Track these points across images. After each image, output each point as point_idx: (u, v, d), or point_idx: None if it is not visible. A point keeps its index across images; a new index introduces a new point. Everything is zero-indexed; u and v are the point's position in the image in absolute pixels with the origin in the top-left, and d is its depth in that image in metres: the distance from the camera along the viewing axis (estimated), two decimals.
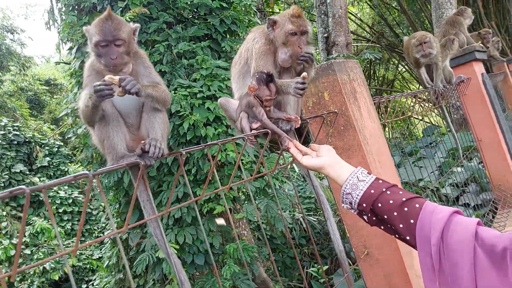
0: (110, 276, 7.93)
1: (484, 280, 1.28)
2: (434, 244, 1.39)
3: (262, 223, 7.70)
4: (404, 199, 1.51)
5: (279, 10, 15.15)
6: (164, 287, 6.59)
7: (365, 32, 23.22)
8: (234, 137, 1.88)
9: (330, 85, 2.42)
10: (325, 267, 7.68)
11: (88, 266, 12.85)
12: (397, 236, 1.57)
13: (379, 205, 1.55)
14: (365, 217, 1.64)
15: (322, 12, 12.75)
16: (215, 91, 5.32)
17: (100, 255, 12.36)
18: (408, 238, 1.49)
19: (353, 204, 1.62)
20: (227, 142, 1.69)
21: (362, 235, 2.45)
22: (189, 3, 6.14)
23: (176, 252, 5.43)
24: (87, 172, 1.13)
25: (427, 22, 20.41)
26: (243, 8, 6.41)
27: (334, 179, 1.74)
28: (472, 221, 1.38)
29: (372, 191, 1.57)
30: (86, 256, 12.99)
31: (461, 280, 1.32)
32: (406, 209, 1.49)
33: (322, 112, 2.40)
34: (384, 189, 1.56)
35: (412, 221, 1.47)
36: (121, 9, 5.79)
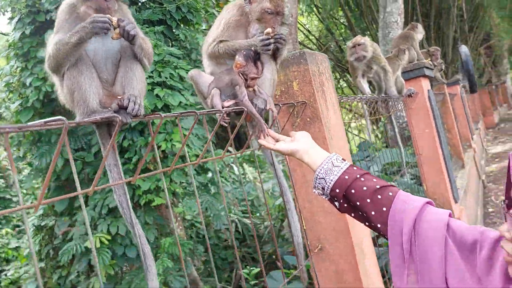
0: (30, 265, 7.44)
1: (453, 270, 1.28)
2: (406, 233, 1.37)
3: (199, 221, 7.54)
4: (377, 186, 1.49)
5: None
6: (89, 279, 6.26)
7: (311, 44, 23.68)
8: (209, 110, 1.76)
9: (301, 75, 2.36)
10: (257, 270, 7.67)
11: (3, 255, 11.99)
12: (367, 224, 1.55)
13: (353, 191, 1.52)
14: (336, 203, 1.60)
15: None
16: (166, 78, 5.13)
17: (18, 245, 11.62)
18: (379, 226, 1.47)
19: (325, 190, 1.58)
20: (188, 115, 1.55)
21: (317, 230, 2.40)
22: None
23: (106, 243, 5.16)
24: (62, 118, 0.98)
25: (372, 40, 21.18)
26: None
27: (309, 164, 1.68)
28: (444, 212, 1.39)
29: (346, 177, 1.54)
30: (1, 245, 12.12)
31: (430, 270, 1.32)
32: (379, 196, 1.47)
33: (290, 101, 2.33)
34: (358, 176, 1.53)
35: (384, 209, 1.45)
36: None
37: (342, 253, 2.36)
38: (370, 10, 19.31)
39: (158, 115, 1.29)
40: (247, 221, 9.22)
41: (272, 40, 1.93)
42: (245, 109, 1.81)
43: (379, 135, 16.31)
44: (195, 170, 5.77)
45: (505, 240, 1.15)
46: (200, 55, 6.53)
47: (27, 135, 5.37)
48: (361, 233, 2.48)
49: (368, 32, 20.39)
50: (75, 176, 1.21)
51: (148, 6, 5.97)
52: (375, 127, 16.87)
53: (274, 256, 8.19)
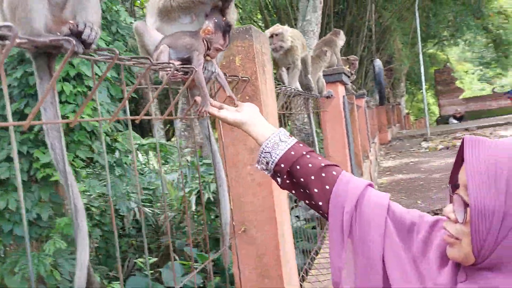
0: None
1: (391, 250, 1.31)
2: (348, 212, 1.39)
3: (95, 206, 7.15)
4: (323, 164, 1.49)
5: None
6: None
7: None
8: (162, 62, 1.62)
9: (245, 51, 2.30)
10: (154, 260, 7.44)
11: None
12: (308, 201, 1.54)
13: (298, 167, 1.50)
14: (278, 179, 1.57)
15: None
16: None
17: None
18: (320, 203, 1.47)
19: (270, 164, 1.55)
20: (140, 63, 1.42)
21: (243, 211, 2.36)
22: None
23: None
24: (10, 24, 0.81)
25: None
26: None
27: (255, 136, 1.64)
28: (385, 195, 1.43)
29: (293, 153, 1.52)
30: None
31: (369, 249, 1.34)
32: (323, 174, 1.48)
33: (231, 77, 2.26)
34: (304, 153, 1.52)
35: (327, 187, 1.46)
36: None
37: (265, 237, 2.34)
38: (287, 18, 19.80)
39: (112, 50, 1.13)
40: (147, 210, 8.93)
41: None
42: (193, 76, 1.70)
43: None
44: (107, 145, 5.43)
45: (448, 221, 1.19)
46: (121, 28, 6.18)
47: None
48: (284, 219, 2.48)
49: None
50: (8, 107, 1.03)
51: None
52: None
53: (172, 248, 8.02)
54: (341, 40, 5.90)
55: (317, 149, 5.30)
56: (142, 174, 10.00)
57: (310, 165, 1.49)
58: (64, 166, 1.22)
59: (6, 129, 4.70)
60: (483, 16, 24.83)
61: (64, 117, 4.40)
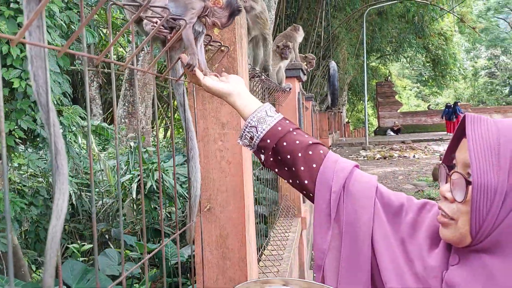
0: None
1: (379, 230, 1.28)
2: (335, 191, 1.35)
3: (29, 186, 6.75)
4: (310, 142, 1.43)
5: None
6: None
7: None
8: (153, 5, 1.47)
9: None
10: (89, 247, 7.13)
11: None
12: (292, 180, 1.48)
13: (284, 143, 1.44)
14: (262, 156, 1.49)
15: None
16: None
17: None
18: (306, 182, 1.42)
19: (254, 139, 1.47)
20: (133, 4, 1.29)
21: (210, 188, 2.25)
22: None
23: None
24: None
25: None
26: None
27: (240, 109, 1.55)
28: (372, 176, 1.41)
29: (279, 128, 1.44)
30: None
31: (358, 229, 1.31)
32: (310, 152, 1.42)
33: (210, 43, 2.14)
34: (291, 129, 1.45)
35: (314, 165, 1.41)
36: None
37: (230, 217, 2.24)
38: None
39: None
40: (84, 195, 8.55)
41: None
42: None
43: None
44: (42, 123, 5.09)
45: (444, 201, 1.17)
46: None
47: None
48: (250, 199, 2.40)
49: None
50: None
51: None
52: None
53: (107, 236, 7.72)
54: (300, 36, 5.92)
55: None
56: (80, 157, 9.57)
57: (297, 142, 1.43)
58: (47, 100, 1.07)
59: None
60: (424, 36, 26.10)
61: (9, 82, 4.06)
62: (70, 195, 8.06)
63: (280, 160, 1.46)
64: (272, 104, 5.18)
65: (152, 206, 7.33)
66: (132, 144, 9.51)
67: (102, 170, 8.86)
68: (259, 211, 5.69)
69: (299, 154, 1.41)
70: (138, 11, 1.29)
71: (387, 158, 17.89)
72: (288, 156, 1.42)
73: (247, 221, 2.28)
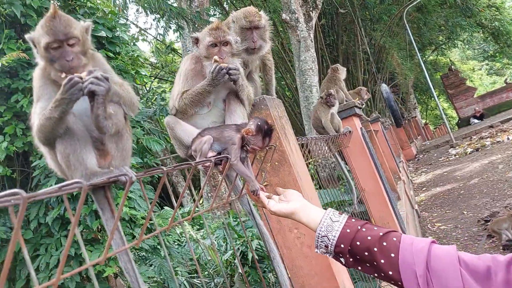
0: None
1: None
2: (421, 275, 1.38)
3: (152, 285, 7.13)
4: (381, 233, 1.49)
5: (145, 73, 15.04)
6: None
7: None
8: (196, 161, 1.68)
9: None
10: None
11: None
12: (377, 274, 1.52)
13: (358, 243, 1.51)
14: (342, 259, 1.57)
15: None
16: None
17: None
18: (390, 273, 1.46)
19: (329, 247, 1.56)
20: (183, 168, 1.49)
21: (300, 275, 2.34)
22: None
23: None
24: (80, 180, 0.89)
25: (286, 89, 22.16)
26: (130, 59, 6.22)
27: (306, 224, 1.66)
28: (451, 247, 1.42)
29: (348, 230, 1.53)
30: None
31: None
32: (385, 243, 1.47)
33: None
34: (359, 227, 1.53)
35: (393, 255, 1.45)
36: None
37: None
38: (282, 61, 20.24)
39: (160, 169, 1.21)
40: (196, 281, 8.87)
41: (223, 66, 1.98)
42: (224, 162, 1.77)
43: (311, 177, 16.70)
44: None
45: None
46: (136, 116, 6.35)
47: None
48: (343, 274, 2.45)
49: (284, 82, 21.30)
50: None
51: None
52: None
53: None
54: (342, 73, 6.01)
55: (350, 180, 5.28)
56: (181, 245, 10.00)
57: (369, 237, 1.49)
58: (139, 286, 1.28)
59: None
60: (473, 14, 24.93)
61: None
62: (184, 284, 8.43)
63: (359, 259, 1.51)
64: (339, 152, 5.25)
65: (261, 274, 7.37)
66: (223, 221, 9.82)
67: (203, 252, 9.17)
68: None
69: (375, 249, 1.47)
70: (191, 170, 1.49)
71: (479, 150, 16.82)
72: (366, 253, 1.48)
73: None
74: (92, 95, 1.32)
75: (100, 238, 4.83)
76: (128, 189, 1.10)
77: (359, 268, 1.54)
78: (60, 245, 4.77)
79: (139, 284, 1.28)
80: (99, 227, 4.74)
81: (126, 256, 1.32)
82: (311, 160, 4.73)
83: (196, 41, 2.18)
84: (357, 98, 6.24)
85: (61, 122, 1.30)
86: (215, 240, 8.95)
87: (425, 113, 40.29)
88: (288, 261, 2.36)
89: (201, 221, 10.89)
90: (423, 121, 36.36)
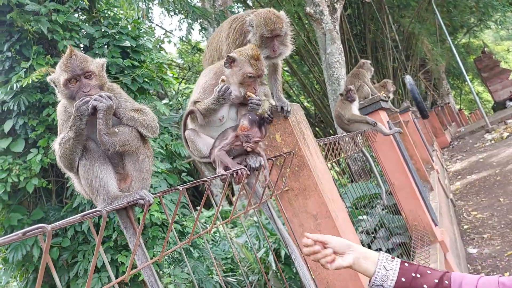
0: None
1: None
2: None
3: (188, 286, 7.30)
4: (436, 280, 1.56)
5: (173, 75, 15.24)
6: None
7: None
8: (223, 173, 1.76)
9: (282, 127, 2.42)
10: None
11: None
12: None
13: None
14: None
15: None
16: None
17: None
18: None
19: None
20: (198, 183, 1.57)
21: (324, 277, 2.40)
22: None
23: None
24: (100, 208, 0.98)
25: (315, 82, 22.03)
26: (154, 66, 6.37)
27: (363, 273, 1.72)
28: (495, 277, 1.51)
29: (403, 279, 1.59)
30: None
31: None
32: None
33: (274, 154, 2.38)
34: (413, 274, 1.59)
35: None
36: (25, 70, 5.43)
37: None
38: (309, 54, 20.14)
39: (176, 189, 1.30)
40: (231, 280, 9.02)
41: (257, 102, 2.04)
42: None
43: (343, 171, 16.61)
44: (180, 236, 5.68)
45: None
46: (162, 121, 6.51)
47: None
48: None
49: (311, 75, 21.20)
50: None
51: None
52: (334, 164, 17.18)
53: None
54: (367, 70, 5.97)
55: (378, 175, 5.27)
56: (215, 243, 10.18)
57: (425, 286, 1.56)
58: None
59: None
60: None
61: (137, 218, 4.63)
62: (219, 284, 8.59)
63: None
64: (367, 146, 5.24)
65: (294, 270, 7.48)
66: (255, 218, 9.93)
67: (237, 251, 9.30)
68: (396, 241, 5.63)
69: None
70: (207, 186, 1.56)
71: None
72: None
73: None
74: (95, 111, 1.44)
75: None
76: (146, 210, 1.19)
77: None
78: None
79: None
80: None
81: (150, 270, 1.41)
82: (342, 157, 4.76)
83: (232, 61, 2.14)
84: (383, 92, 6.20)
85: (78, 140, 1.42)
86: (247, 239, 9.08)
87: (459, 98, 39.29)
88: (313, 263, 2.42)
89: (235, 220, 11.03)
90: (457, 106, 35.45)
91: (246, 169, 1.85)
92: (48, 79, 1.62)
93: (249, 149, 1.97)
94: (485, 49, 32.25)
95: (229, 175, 1.67)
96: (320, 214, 2.38)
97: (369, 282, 1.66)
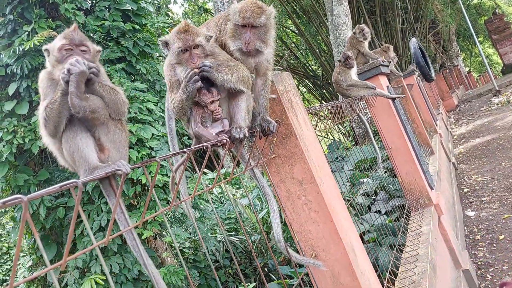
0: None
1: None
2: None
3: (187, 247, 7.55)
4: None
5: None
6: None
7: None
8: (197, 146, 1.86)
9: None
10: (252, 285, 7.73)
11: None
12: None
13: None
14: None
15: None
16: (135, 113, 5.21)
17: None
18: None
19: None
20: (154, 161, 1.67)
21: (309, 239, 2.53)
22: (100, 25, 5.99)
23: (102, 283, 5.15)
24: (76, 180, 1.09)
25: (323, 44, 21.79)
26: (155, 30, 6.39)
27: None
28: None
29: None
30: None
31: None
32: None
33: None
34: None
35: None
36: (27, 33, 5.49)
37: (336, 258, 2.49)
38: (317, 15, 19.85)
39: (153, 159, 1.40)
40: (234, 239, 9.29)
41: (195, 72, 1.95)
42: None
43: (347, 134, 16.70)
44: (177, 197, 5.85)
45: None
46: (164, 85, 6.63)
47: (5, 189, 5.33)
48: (350, 235, 2.62)
49: (319, 36, 20.95)
50: (90, 233, 1.30)
51: (105, 45, 6.05)
52: (340, 127, 17.23)
53: (266, 269, 8.28)
54: (361, 35, 5.94)
55: (374, 141, 5.37)
56: (221, 203, 10.43)
57: None
58: (143, 259, 1.50)
59: None
60: None
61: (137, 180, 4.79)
62: (223, 243, 8.86)
63: None
64: (365, 106, 5.29)
65: None
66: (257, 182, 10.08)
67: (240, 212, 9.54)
68: (396, 204, 5.77)
69: None
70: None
71: None
72: None
73: (353, 256, 2.51)
74: (68, 74, 1.53)
75: (136, 204, 5.18)
76: (123, 181, 1.30)
77: None
78: (101, 211, 5.17)
79: (144, 258, 1.50)
80: (135, 194, 5.08)
81: (131, 234, 1.53)
82: (345, 119, 4.86)
83: (166, 44, 2.06)
84: (383, 57, 6.19)
85: (64, 101, 1.51)
86: (252, 201, 9.30)
87: (468, 60, 38.70)
88: (298, 226, 2.55)
89: (240, 181, 11.21)
90: (466, 69, 34.96)
91: (227, 138, 1.93)
92: (44, 48, 1.74)
93: (214, 114, 2.02)
94: (497, 10, 31.47)
95: (209, 146, 1.77)
96: (305, 180, 2.49)
97: None
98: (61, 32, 4.77)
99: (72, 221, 1.07)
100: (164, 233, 5.89)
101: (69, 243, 1.09)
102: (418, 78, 11.91)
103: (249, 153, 2.27)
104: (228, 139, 1.94)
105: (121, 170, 1.41)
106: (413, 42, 6.26)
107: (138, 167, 1.50)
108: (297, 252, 2.54)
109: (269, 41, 2.21)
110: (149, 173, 5.06)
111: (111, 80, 5.17)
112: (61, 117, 1.54)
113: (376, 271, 3.54)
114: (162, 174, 5.20)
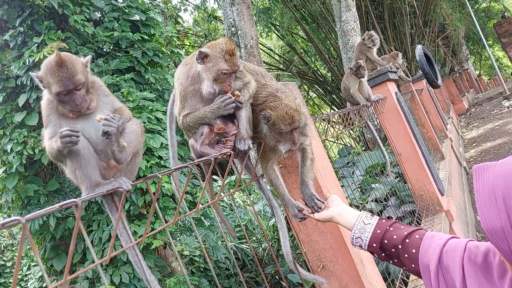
0: None
1: (473, 283, 1.42)
2: (432, 269, 1.57)
3: (198, 255, 7.55)
4: (405, 233, 1.73)
5: (189, 43, 15.26)
6: None
7: (275, 61, 24.12)
8: (200, 159, 1.87)
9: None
10: None
11: None
12: (404, 267, 1.76)
13: (385, 241, 1.77)
14: (375, 255, 1.85)
15: (234, 43, 13.11)
16: (144, 122, 5.24)
17: None
18: (413, 266, 1.69)
19: (363, 246, 1.84)
20: (182, 168, 1.68)
21: (316, 249, 2.52)
22: (109, 36, 6.05)
23: None
24: (75, 199, 1.09)
25: (332, 49, 21.78)
26: (164, 40, 6.44)
27: (344, 226, 1.98)
28: (463, 240, 1.56)
29: (378, 231, 1.80)
30: None
31: None
32: (407, 240, 1.71)
33: None
34: (387, 227, 1.79)
35: (414, 250, 1.68)
36: (37, 44, 5.56)
37: (343, 268, 2.48)
38: (326, 21, 19.86)
39: (155, 175, 1.41)
40: (245, 246, 9.27)
41: (232, 100, 2.01)
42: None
43: (358, 139, 16.62)
44: (189, 206, 5.87)
45: None
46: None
47: (15, 200, 5.39)
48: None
49: (328, 42, 20.94)
50: (91, 250, 1.31)
51: (114, 56, 6.10)
52: (351, 131, 17.17)
53: (277, 277, 8.25)
54: (371, 43, 5.93)
55: (382, 147, 5.34)
56: (232, 210, 10.42)
57: (394, 236, 1.74)
58: (145, 275, 1.50)
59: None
60: None
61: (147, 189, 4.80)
62: (234, 250, 8.85)
63: (388, 254, 1.78)
64: (373, 112, 5.28)
65: None
66: (268, 187, 10.07)
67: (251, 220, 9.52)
68: (407, 209, 5.73)
69: (399, 246, 1.72)
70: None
71: None
72: (393, 250, 1.74)
73: (359, 265, 2.49)
74: (106, 135, 1.52)
75: (146, 213, 5.20)
76: (124, 198, 1.31)
77: (390, 262, 1.79)
78: (110, 221, 5.18)
79: (146, 274, 1.50)
80: (145, 203, 5.10)
81: (133, 250, 1.54)
82: (355, 126, 4.84)
83: (204, 57, 2.03)
84: (391, 63, 6.17)
85: (61, 151, 1.51)
86: (261, 207, 9.28)
87: (478, 64, 38.43)
88: (304, 236, 2.54)
89: (250, 188, 11.21)
90: (476, 72, 34.69)
91: (231, 151, 1.94)
92: (34, 76, 1.61)
93: (226, 145, 2.04)
94: (505, 13, 31.23)
95: (213, 159, 1.77)
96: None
97: (351, 233, 1.87)
98: (71, 44, 4.78)
99: (72, 240, 1.08)
100: (174, 241, 5.90)
101: (69, 264, 1.10)
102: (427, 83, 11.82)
103: (255, 164, 2.28)
104: (232, 152, 1.95)
105: (122, 187, 1.42)
106: (418, 49, 6.24)
107: (140, 182, 1.50)
108: (305, 261, 2.53)
109: (308, 133, 2.24)
110: (154, 184, 5.08)
111: (120, 90, 5.16)
112: (61, 157, 1.56)
113: (387, 279, 3.51)
114: (170, 183, 5.22)
